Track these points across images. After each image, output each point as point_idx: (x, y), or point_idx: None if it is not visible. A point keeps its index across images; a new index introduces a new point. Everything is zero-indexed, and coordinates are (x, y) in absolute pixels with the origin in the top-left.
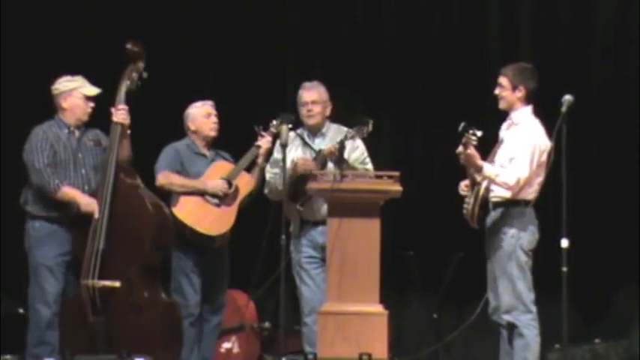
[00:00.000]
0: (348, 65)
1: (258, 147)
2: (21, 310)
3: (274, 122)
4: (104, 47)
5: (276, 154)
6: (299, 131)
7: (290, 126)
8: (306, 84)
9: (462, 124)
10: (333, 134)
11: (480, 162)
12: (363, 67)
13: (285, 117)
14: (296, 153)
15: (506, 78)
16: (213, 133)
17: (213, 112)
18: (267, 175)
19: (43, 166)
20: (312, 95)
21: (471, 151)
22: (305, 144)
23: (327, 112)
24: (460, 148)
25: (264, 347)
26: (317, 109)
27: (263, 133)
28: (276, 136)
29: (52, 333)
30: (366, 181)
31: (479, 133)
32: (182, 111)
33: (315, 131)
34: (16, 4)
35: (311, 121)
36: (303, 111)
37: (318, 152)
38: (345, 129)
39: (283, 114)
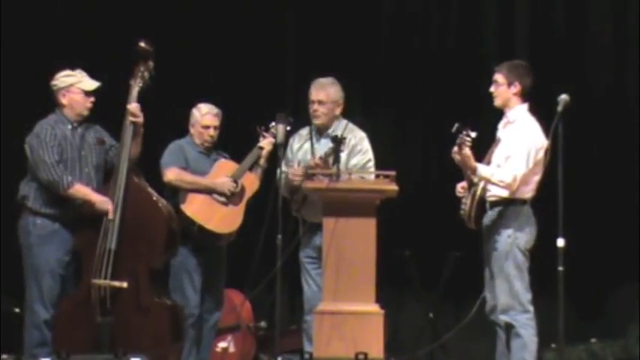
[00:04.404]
0: (346, 65)
1: (261, 148)
2: (17, 310)
3: (273, 124)
4: (104, 47)
5: (288, 153)
6: (309, 129)
7: (288, 128)
8: (320, 81)
9: (456, 125)
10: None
11: (474, 163)
12: (361, 66)
13: (281, 117)
14: (303, 153)
15: (501, 74)
16: (206, 144)
17: (214, 124)
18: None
19: (55, 161)
20: (320, 95)
21: (466, 152)
22: (312, 144)
23: (337, 112)
24: (455, 149)
25: (260, 347)
26: (322, 109)
27: (265, 134)
28: (276, 137)
29: (51, 334)
30: (362, 181)
31: (473, 134)
32: (181, 111)
33: (322, 130)
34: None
35: (316, 121)
36: (310, 109)
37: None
38: (354, 128)
39: (280, 114)
